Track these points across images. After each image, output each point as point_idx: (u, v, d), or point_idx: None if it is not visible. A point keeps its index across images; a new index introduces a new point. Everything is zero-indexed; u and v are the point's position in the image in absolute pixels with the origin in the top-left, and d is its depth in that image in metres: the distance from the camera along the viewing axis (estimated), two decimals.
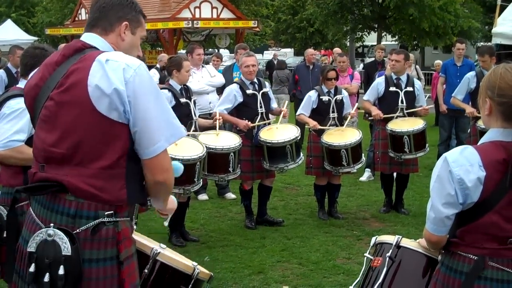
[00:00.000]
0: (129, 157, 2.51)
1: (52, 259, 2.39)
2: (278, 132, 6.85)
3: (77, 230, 2.44)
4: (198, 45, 8.68)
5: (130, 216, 2.63)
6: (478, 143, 2.58)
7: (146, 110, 2.47)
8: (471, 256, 2.54)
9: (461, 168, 2.47)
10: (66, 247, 2.38)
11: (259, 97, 6.91)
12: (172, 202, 2.95)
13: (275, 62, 23.96)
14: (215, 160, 6.26)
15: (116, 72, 2.44)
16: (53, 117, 2.50)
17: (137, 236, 2.87)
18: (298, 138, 6.81)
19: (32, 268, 2.41)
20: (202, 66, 8.41)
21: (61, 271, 2.37)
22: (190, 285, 3.32)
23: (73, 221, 2.45)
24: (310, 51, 12.15)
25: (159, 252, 3.19)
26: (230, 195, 8.47)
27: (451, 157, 2.52)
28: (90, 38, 2.62)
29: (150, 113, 2.48)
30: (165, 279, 3.27)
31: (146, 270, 3.11)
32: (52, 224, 2.44)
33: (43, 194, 2.51)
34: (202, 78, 8.25)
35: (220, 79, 8.43)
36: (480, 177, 2.45)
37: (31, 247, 2.43)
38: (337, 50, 12.93)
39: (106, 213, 2.48)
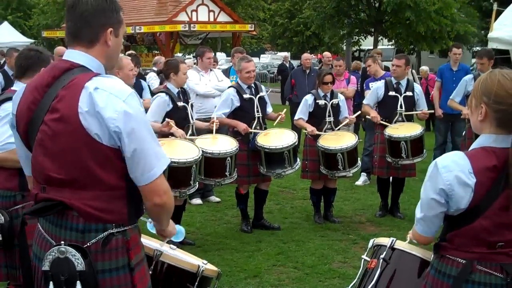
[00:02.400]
0: (127, 177, 2.51)
1: (68, 276, 2.40)
2: (276, 138, 6.83)
3: (88, 244, 2.46)
4: (208, 49, 8.71)
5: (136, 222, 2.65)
6: (470, 149, 2.59)
7: (138, 140, 2.44)
8: (460, 259, 2.56)
9: (450, 173, 2.49)
10: (79, 263, 2.41)
11: (256, 101, 6.90)
12: (173, 226, 2.94)
13: (287, 66, 23.77)
14: (212, 164, 6.25)
15: (105, 103, 2.40)
16: (49, 143, 2.49)
17: (146, 239, 2.89)
18: (296, 143, 6.81)
19: (51, 286, 2.43)
20: (210, 70, 8.45)
21: (78, 286, 2.40)
22: (196, 283, 3.32)
23: (82, 236, 2.47)
24: (306, 55, 12.15)
25: (161, 253, 3.19)
26: (214, 198, 8.47)
27: (441, 162, 2.54)
28: (76, 55, 2.54)
29: (142, 142, 2.45)
30: (171, 279, 3.28)
31: (150, 272, 3.12)
32: (62, 242, 2.45)
33: (50, 214, 2.52)
34: (210, 81, 8.28)
35: (227, 84, 8.43)
36: (470, 183, 2.46)
37: (45, 266, 2.45)
38: (327, 54, 12.98)
39: (113, 224, 2.50)
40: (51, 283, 2.43)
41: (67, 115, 2.43)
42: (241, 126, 6.75)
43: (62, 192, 2.48)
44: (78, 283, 2.39)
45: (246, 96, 6.86)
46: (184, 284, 3.35)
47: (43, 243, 2.54)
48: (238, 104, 6.85)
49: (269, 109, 7.18)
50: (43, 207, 2.51)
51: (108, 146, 2.44)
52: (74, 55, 2.56)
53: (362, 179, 9.51)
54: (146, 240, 3.14)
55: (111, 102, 2.41)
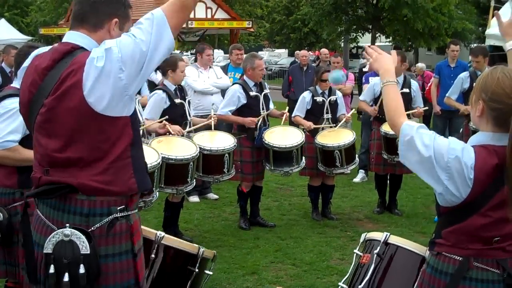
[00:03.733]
0: (133, 146, 2.54)
1: (71, 259, 2.40)
2: (284, 136, 6.83)
3: (92, 228, 2.47)
4: (208, 46, 8.71)
5: (137, 208, 2.67)
6: (467, 144, 2.57)
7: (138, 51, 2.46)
8: (456, 257, 2.55)
9: (454, 155, 2.44)
10: (84, 246, 2.41)
11: (261, 98, 6.90)
12: None
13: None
14: (210, 161, 6.25)
15: (104, 60, 2.44)
16: (53, 123, 2.50)
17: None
18: (304, 142, 6.81)
19: (52, 269, 2.42)
20: (210, 67, 8.44)
21: (81, 269, 2.39)
22: (197, 265, 3.34)
23: (86, 220, 2.48)
24: (302, 52, 12.15)
25: (163, 236, 3.21)
26: (212, 196, 8.47)
27: (453, 144, 2.47)
28: (77, 37, 2.58)
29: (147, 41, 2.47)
30: (172, 261, 3.30)
31: (153, 255, 3.12)
32: (67, 225, 2.45)
33: (53, 197, 2.51)
34: (208, 78, 8.28)
35: (226, 81, 8.43)
36: (468, 179, 2.43)
37: (48, 249, 2.45)
38: (324, 51, 12.97)
39: (118, 208, 2.51)
40: (52, 266, 2.42)
41: (71, 92, 2.45)
42: (247, 120, 6.74)
43: (67, 172, 2.48)
44: (82, 266, 2.39)
45: (252, 93, 6.85)
46: (185, 266, 3.36)
47: (43, 228, 2.54)
48: (245, 101, 6.83)
49: (271, 106, 7.18)
50: (46, 190, 2.50)
51: (114, 117, 2.45)
52: (74, 36, 2.59)
53: (360, 176, 9.53)
54: (143, 227, 3.16)
55: (110, 54, 2.43)
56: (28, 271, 2.62)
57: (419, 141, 2.48)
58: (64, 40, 2.61)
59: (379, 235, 3.41)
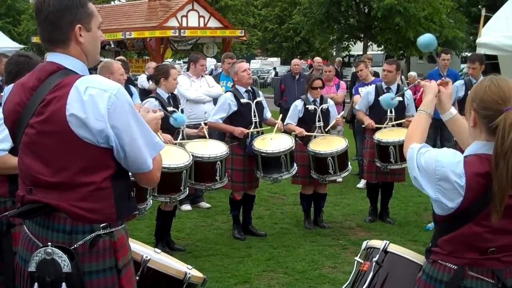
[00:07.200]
0: (114, 177, 2.52)
1: (54, 277, 2.40)
2: (273, 142, 6.82)
3: (75, 246, 2.46)
4: (202, 56, 8.73)
5: (124, 222, 2.66)
6: (463, 155, 2.59)
7: (131, 134, 2.47)
8: (451, 265, 2.56)
9: (442, 169, 2.48)
10: (66, 265, 2.40)
11: (253, 106, 6.90)
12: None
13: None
14: (202, 169, 6.24)
15: (95, 101, 2.40)
16: (36, 145, 2.48)
17: (131, 243, 2.88)
18: (293, 148, 6.81)
19: (35, 287, 2.42)
20: (202, 76, 8.46)
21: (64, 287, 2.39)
22: None
23: (69, 237, 2.47)
24: (295, 61, 12.19)
25: (149, 259, 3.19)
26: (204, 204, 8.46)
27: (439, 156, 2.52)
28: (59, 58, 2.52)
29: (134, 137, 2.49)
30: (157, 285, 3.27)
31: (137, 277, 3.11)
32: (49, 243, 2.44)
33: (36, 216, 2.51)
34: (201, 87, 8.29)
35: (218, 90, 8.45)
36: (459, 187, 2.45)
37: (32, 267, 2.44)
38: (317, 59, 13.03)
39: (101, 225, 2.50)
40: (36, 284, 2.42)
41: (54, 118, 2.42)
42: (237, 130, 6.74)
43: (49, 193, 2.47)
44: (64, 284, 2.39)
45: (243, 100, 6.85)
46: None
47: (29, 245, 2.54)
48: (236, 109, 6.83)
49: (268, 114, 7.18)
50: (29, 210, 2.50)
51: (98, 146, 2.44)
52: (58, 57, 2.53)
53: (364, 181, 9.45)
54: (134, 245, 3.13)
55: (102, 100, 2.40)
56: (6, 282, 2.62)
57: (416, 162, 2.61)
58: (48, 59, 2.56)
59: (379, 243, 3.41)
